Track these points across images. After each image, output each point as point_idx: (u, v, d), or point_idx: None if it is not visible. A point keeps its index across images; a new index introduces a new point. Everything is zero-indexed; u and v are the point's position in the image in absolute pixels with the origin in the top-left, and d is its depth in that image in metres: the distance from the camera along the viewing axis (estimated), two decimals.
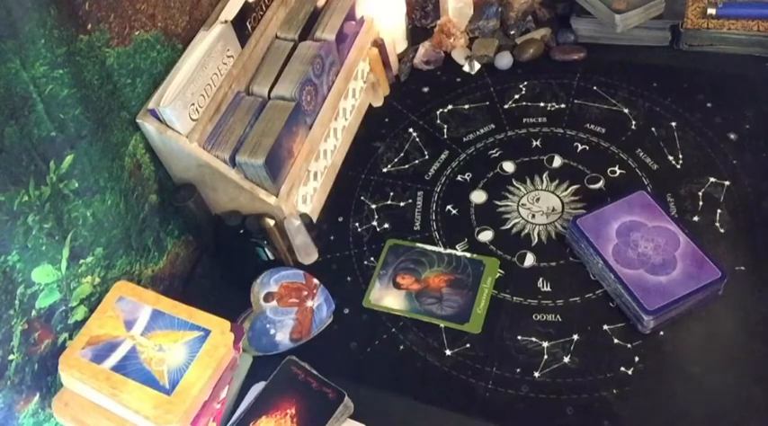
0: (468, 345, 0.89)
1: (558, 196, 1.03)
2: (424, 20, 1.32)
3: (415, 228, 1.03)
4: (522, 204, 1.03)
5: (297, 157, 0.97)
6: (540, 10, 1.28)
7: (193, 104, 0.88)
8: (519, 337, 0.89)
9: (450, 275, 0.96)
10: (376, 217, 1.05)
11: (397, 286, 0.96)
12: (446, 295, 0.94)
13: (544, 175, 1.05)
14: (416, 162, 1.11)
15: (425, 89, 1.22)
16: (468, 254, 0.98)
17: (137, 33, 0.84)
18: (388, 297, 0.95)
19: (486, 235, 1.00)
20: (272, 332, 0.92)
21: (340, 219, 1.06)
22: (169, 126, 0.87)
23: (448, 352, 0.89)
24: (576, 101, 1.15)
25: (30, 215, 0.72)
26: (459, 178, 1.08)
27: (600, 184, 1.03)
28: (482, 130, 1.14)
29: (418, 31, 1.31)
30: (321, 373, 0.86)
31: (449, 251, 0.99)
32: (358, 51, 1.12)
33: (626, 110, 1.12)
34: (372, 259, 1.00)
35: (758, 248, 0.92)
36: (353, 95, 1.15)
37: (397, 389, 0.87)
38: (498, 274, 0.95)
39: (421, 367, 0.88)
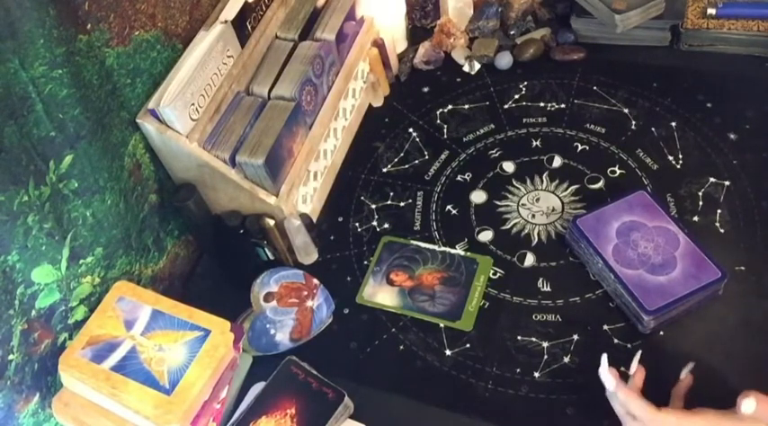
0: (468, 345, 0.89)
1: (558, 196, 1.03)
2: (424, 20, 1.32)
3: (415, 228, 1.02)
4: (522, 204, 1.03)
5: (297, 157, 0.97)
6: (540, 10, 1.28)
7: (193, 104, 0.88)
8: (519, 337, 0.89)
9: (443, 273, 0.96)
10: (376, 217, 1.05)
11: (391, 282, 0.96)
12: (439, 292, 0.94)
13: (544, 175, 1.05)
14: (416, 162, 1.11)
15: (425, 89, 1.22)
16: (461, 252, 0.98)
17: (137, 33, 0.84)
18: (381, 294, 0.95)
19: (485, 235, 1.00)
20: (272, 332, 0.92)
21: (340, 219, 1.06)
22: (169, 126, 0.87)
23: (448, 352, 0.89)
24: (576, 101, 1.15)
25: (30, 215, 0.72)
26: (459, 178, 1.08)
27: (600, 184, 1.03)
28: (482, 130, 1.14)
29: (418, 31, 1.31)
30: (321, 373, 0.86)
31: (443, 248, 0.99)
32: (358, 51, 1.12)
33: (626, 111, 1.12)
34: (372, 259, 1.00)
35: (758, 248, 0.92)
36: (353, 95, 1.15)
37: (397, 389, 0.86)
38: (498, 274, 0.95)
39: (421, 367, 0.88)
